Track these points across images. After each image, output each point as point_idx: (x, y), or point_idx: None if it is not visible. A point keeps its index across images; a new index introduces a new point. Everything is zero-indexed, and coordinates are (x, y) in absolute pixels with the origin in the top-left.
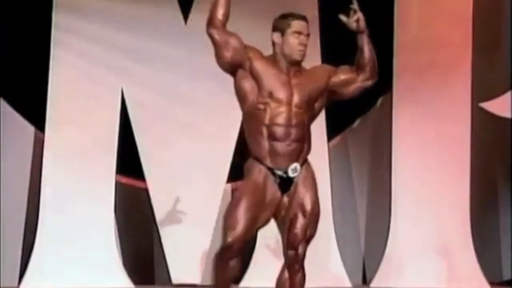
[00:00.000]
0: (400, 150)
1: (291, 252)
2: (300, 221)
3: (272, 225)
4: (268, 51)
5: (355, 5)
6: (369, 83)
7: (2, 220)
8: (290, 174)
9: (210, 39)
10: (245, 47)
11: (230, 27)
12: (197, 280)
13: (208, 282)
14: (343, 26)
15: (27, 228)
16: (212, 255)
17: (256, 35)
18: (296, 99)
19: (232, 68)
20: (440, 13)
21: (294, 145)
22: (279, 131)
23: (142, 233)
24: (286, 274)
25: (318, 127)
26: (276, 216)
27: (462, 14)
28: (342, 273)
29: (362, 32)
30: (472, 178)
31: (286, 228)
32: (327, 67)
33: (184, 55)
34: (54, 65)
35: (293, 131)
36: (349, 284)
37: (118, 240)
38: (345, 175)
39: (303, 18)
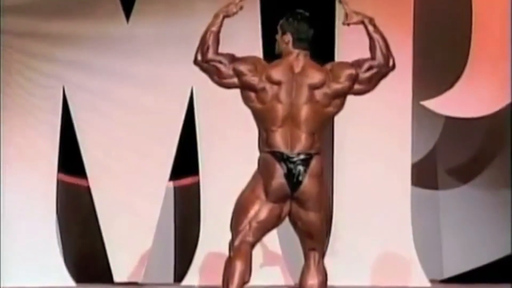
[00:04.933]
0: (340, 148)
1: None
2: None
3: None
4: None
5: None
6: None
7: None
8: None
9: None
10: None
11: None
12: (138, 279)
13: (149, 280)
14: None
15: None
16: (154, 253)
17: None
18: None
19: None
20: (380, 12)
21: None
22: None
23: (84, 232)
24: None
25: None
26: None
27: (403, 14)
28: None
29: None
30: (413, 175)
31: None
32: None
33: (126, 55)
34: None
35: None
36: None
37: (59, 238)
38: None
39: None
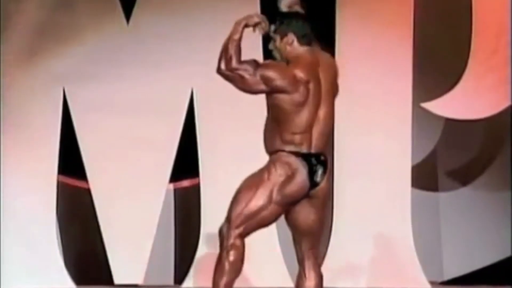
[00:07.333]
0: (341, 150)
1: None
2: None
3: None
4: None
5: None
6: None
7: None
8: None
9: None
10: None
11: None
12: (139, 280)
13: (150, 282)
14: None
15: None
16: (155, 255)
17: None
18: None
19: None
20: (381, 13)
21: None
22: None
23: (84, 234)
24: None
25: None
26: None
27: (403, 14)
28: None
29: None
30: (413, 177)
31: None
32: None
33: (126, 57)
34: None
35: None
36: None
37: (60, 240)
38: None
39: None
